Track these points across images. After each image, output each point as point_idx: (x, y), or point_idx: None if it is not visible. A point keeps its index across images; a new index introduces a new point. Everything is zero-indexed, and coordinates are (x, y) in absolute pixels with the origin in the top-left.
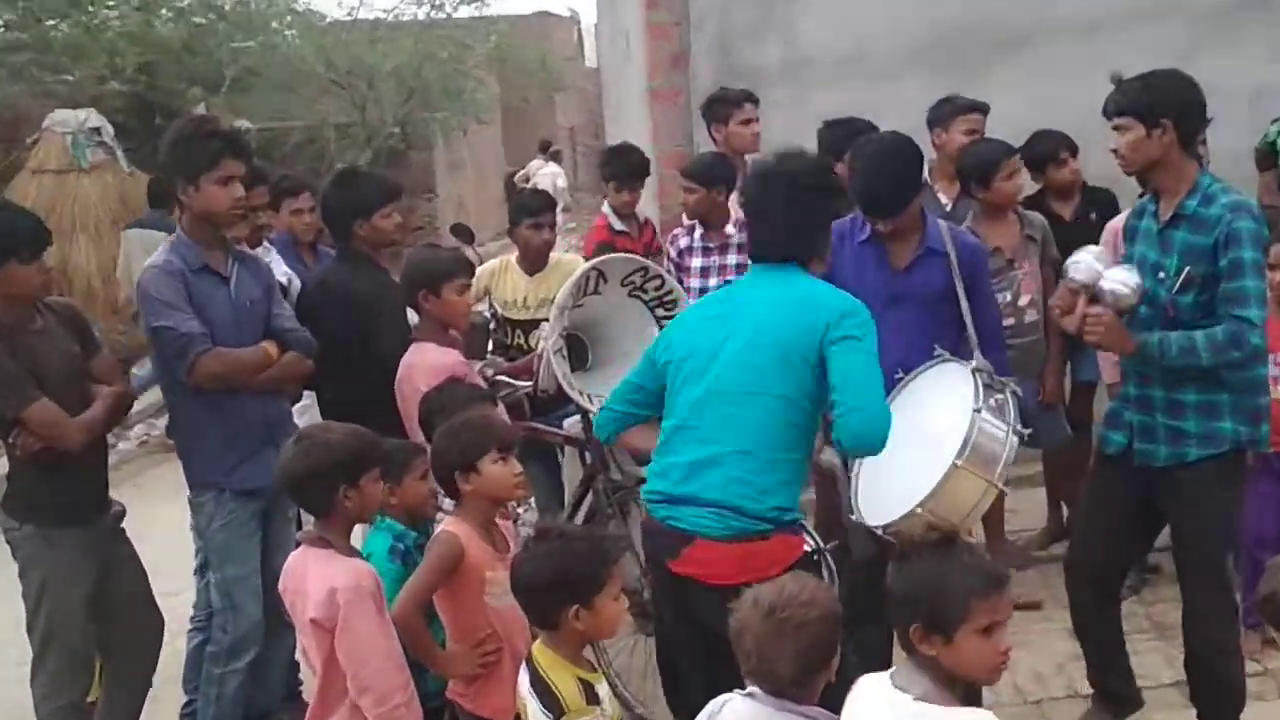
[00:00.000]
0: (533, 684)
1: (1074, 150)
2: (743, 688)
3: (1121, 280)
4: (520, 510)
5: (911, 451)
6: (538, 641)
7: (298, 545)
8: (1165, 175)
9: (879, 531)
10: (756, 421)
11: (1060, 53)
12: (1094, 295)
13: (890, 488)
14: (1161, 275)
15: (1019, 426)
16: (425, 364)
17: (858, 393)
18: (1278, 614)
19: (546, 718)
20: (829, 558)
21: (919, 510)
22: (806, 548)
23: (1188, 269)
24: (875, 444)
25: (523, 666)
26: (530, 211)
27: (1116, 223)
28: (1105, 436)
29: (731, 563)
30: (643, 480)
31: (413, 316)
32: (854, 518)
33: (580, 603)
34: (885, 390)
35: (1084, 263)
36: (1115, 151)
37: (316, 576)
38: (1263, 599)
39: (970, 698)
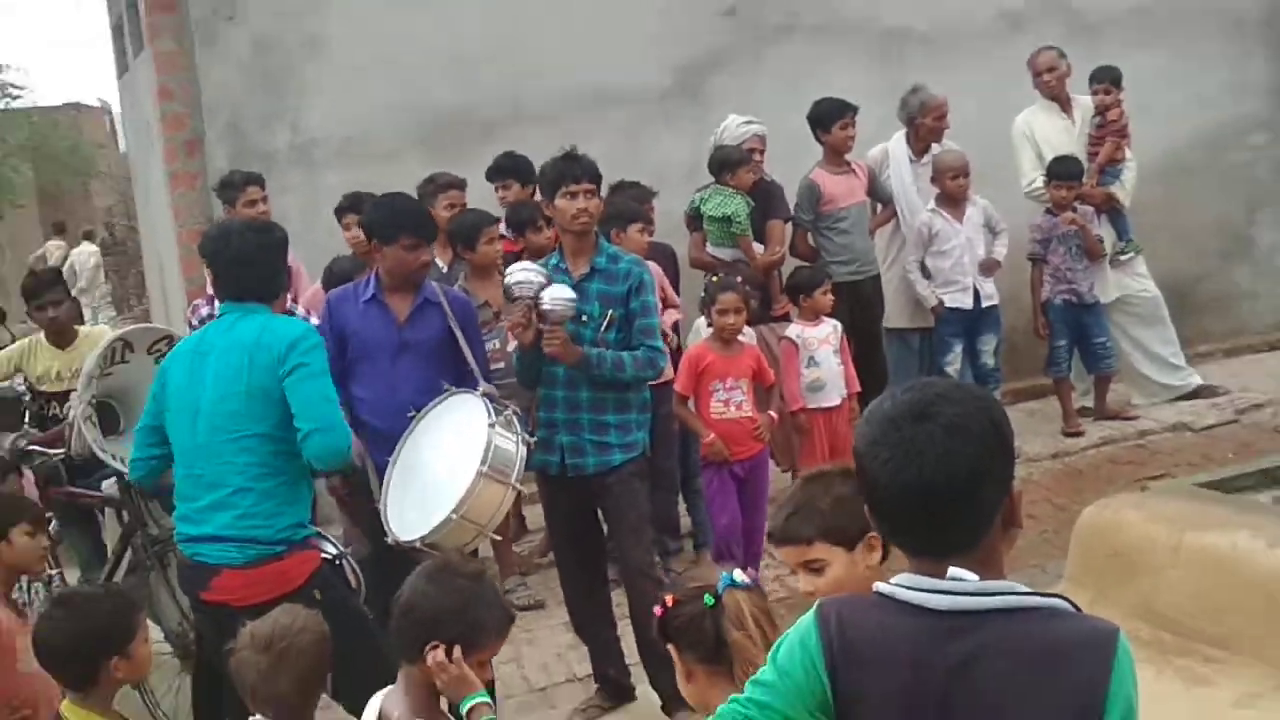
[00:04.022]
0: None
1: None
2: None
3: (559, 296)
4: (54, 573)
5: (437, 470)
6: (66, 700)
7: None
8: (587, 239)
9: (417, 544)
10: (246, 461)
11: (531, 135)
12: (539, 311)
13: (423, 504)
14: (585, 319)
15: (525, 435)
16: None
17: (312, 416)
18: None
19: None
20: (350, 560)
21: (454, 516)
22: (326, 555)
23: (610, 312)
24: (339, 456)
25: None
26: (28, 296)
27: None
28: (542, 461)
29: (255, 585)
30: None
31: None
32: (389, 541)
33: (118, 652)
34: (399, 427)
35: (525, 279)
36: (585, 210)
37: None
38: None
39: None
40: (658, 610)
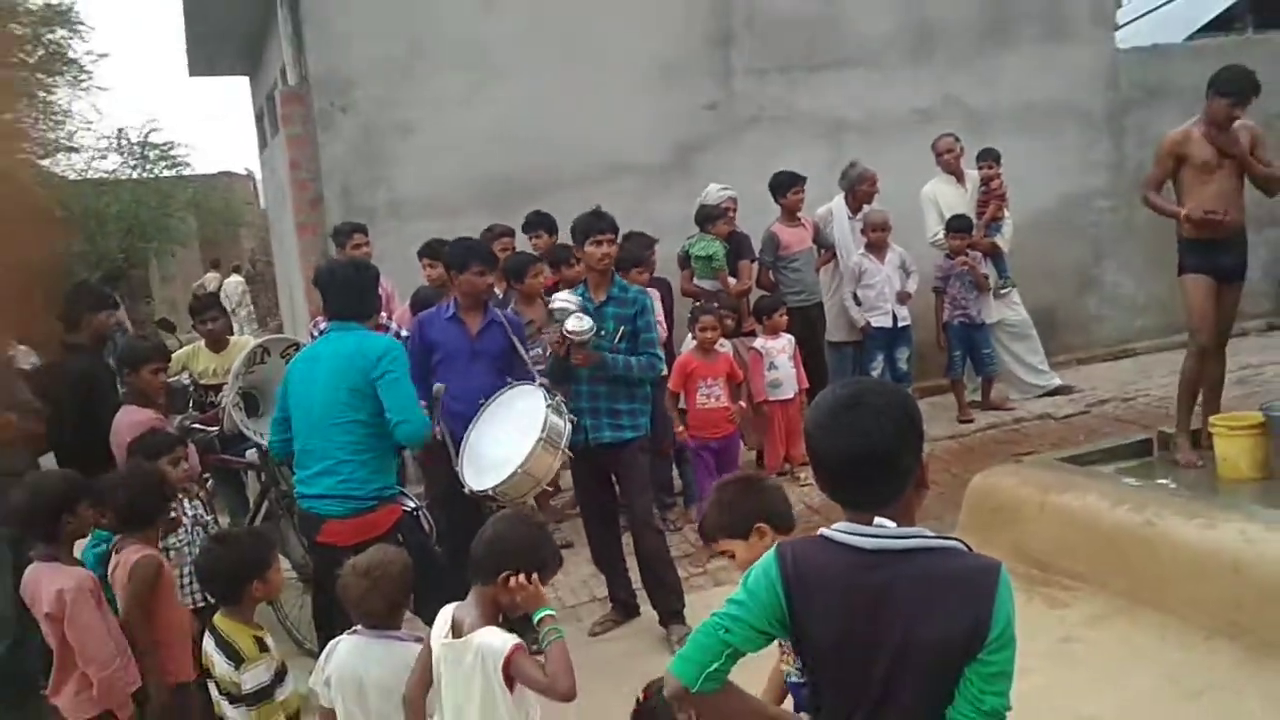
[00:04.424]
0: (217, 645)
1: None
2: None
3: (577, 324)
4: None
5: (506, 438)
6: (219, 614)
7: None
8: (607, 274)
9: (489, 492)
10: (347, 440)
11: (565, 197)
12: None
13: (494, 463)
14: (603, 333)
15: (571, 417)
16: (128, 421)
17: (399, 409)
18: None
19: (230, 665)
20: (426, 513)
21: (519, 470)
22: (407, 508)
23: (622, 328)
24: (420, 437)
25: (207, 633)
26: (193, 313)
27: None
28: (572, 439)
29: (353, 530)
30: None
31: None
32: (466, 491)
33: (258, 577)
34: (473, 410)
35: (564, 304)
36: (607, 254)
37: (48, 582)
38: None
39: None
40: (634, 706)
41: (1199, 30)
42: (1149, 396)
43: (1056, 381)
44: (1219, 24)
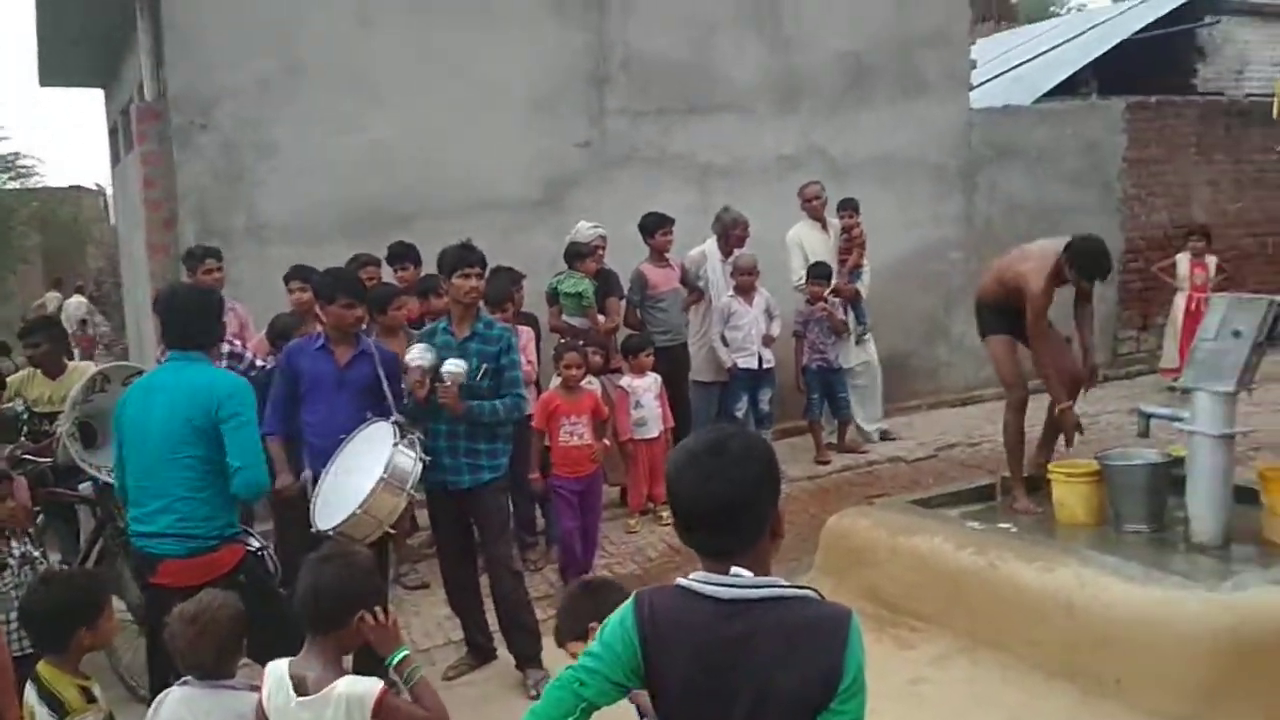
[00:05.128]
0: (39, 695)
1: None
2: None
3: (455, 366)
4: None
5: (353, 478)
6: (42, 662)
7: None
8: (473, 309)
9: (331, 533)
10: (186, 476)
11: (433, 229)
12: (436, 375)
13: (340, 502)
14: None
15: (423, 456)
16: None
17: (241, 456)
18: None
19: (54, 718)
20: (271, 553)
21: (358, 511)
22: (251, 548)
23: (485, 366)
24: (258, 489)
25: (29, 683)
26: (21, 335)
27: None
28: (429, 479)
29: (192, 571)
30: None
31: None
32: (314, 530)
33: (87, 624)
34: (333, 446)
35: (419, 355)
36: (475, 289)
37: None
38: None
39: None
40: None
41: (1047, 93)
42: (994, 442)
43: (884, 426)
44: (1065, 88)
